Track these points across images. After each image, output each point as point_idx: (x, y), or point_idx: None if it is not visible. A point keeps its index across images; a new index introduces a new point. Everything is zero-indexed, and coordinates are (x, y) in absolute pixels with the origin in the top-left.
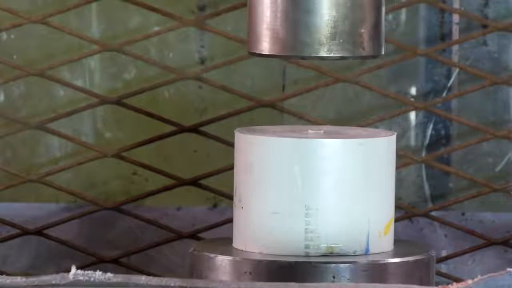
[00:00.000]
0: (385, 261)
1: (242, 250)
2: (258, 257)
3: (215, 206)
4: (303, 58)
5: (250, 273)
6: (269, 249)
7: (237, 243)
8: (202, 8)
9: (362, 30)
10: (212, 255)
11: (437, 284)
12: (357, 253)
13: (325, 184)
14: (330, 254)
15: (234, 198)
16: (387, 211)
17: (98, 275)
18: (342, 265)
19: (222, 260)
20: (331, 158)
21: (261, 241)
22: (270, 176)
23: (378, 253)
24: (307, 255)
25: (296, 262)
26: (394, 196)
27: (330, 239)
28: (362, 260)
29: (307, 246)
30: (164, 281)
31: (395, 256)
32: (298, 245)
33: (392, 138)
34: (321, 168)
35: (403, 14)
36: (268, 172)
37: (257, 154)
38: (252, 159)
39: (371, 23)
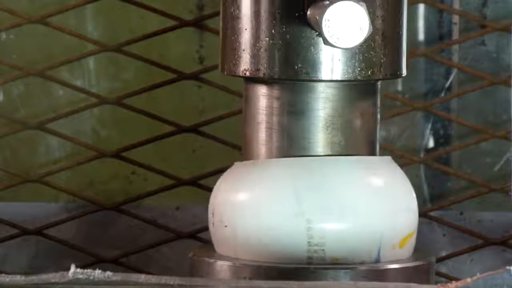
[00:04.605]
0: (385, 267)
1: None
2: (258, 263)
3: None
4: None
5: (250, 278)
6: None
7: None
8: (201, 8)
9: None
10: (212, 260)
11: (436, 283)
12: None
13: (329, 198)
14: (336, 263)
15: (212, 218)
16: (403, 224)
17: (97, 273)
18: (341, 271)
19: (222, 266)
20: (334, 175)
21: (255, 254)
22: (265, 195)
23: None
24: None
25: (296, 268)
26: (417, 208)
27: (335, 252)
28: (362, 266)
29: (310, 258)
30: (163, 279)
31: (394, 262)
32: (300, 257)
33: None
34: (323, 183)
35: None
36: (263, 192)
37: (256, 178)
38: (247, 181)
39: None
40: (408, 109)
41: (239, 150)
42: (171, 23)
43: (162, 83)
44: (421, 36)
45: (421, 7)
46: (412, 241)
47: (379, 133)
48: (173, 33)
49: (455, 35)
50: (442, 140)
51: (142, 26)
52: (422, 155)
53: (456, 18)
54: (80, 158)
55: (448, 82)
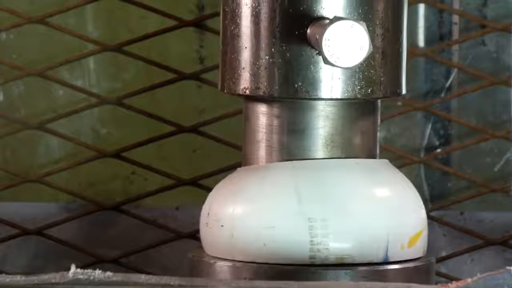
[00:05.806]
0: (385, 268)
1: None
2: (258, 263)
3: None
4: None
5: (250, 279)
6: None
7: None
8: (201, 8)
9: None
10: (212, 261)
11: (436, 283)
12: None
13: (331, 196)
14: (341, 262)
15: (206, 218)
16: (411, 222)
17: (97, 273)
18: (342, 271)
19: (222, 266)
20: (336, 174)
21: (253, 255)
22: (265, 194)
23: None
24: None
25: (296, 268)
26: (424, 207)
27: (339, 251)
28: (362, 266)
29: (312, 257)
30: (163, 279)
31: (394, 262)
32: (302, 257)
33: (386, 161)
34: (325, 182)
35: None
36: (263, 191)
37: (254, 180)
38: (248, 183)
39: None
40: (408, 109)
41: (239, 150)
42: (171, 23)
43: (162, 83)
44: (421, 36)
45: (421, 7)
46: (422, 240)
47: (379, 137)
48: (173, 33)
49: (455, 35)
50: (442, 140)
51: (142, 26)
52: (422, 155)
53: (456, 18)
54: (80, 158)
55: (448, 82)
